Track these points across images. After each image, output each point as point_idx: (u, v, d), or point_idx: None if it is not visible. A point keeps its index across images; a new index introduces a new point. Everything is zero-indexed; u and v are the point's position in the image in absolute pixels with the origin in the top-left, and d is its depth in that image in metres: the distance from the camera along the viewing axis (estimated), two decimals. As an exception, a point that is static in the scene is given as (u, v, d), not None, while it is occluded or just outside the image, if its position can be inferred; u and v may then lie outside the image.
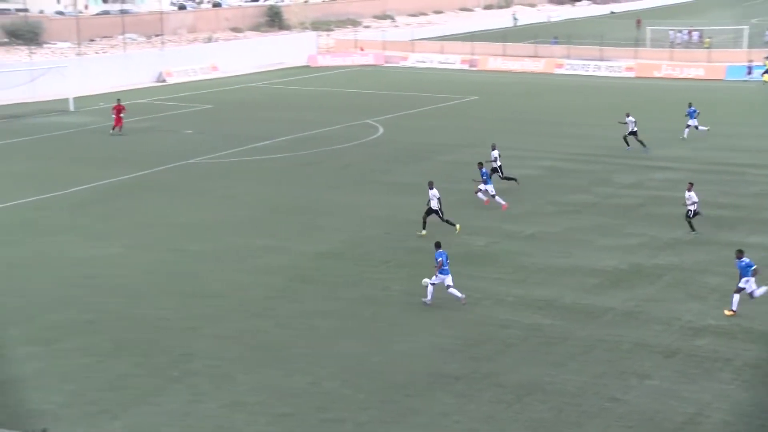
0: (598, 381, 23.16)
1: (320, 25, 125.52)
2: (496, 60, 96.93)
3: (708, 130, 54.64)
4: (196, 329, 26.67)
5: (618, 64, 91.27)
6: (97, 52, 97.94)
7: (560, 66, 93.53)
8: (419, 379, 23.32)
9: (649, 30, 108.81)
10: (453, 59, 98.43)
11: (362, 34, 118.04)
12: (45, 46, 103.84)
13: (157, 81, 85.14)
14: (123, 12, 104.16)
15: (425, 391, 22.63)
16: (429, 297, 28.33)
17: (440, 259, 28.12)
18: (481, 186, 39.51)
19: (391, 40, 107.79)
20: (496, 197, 39.49)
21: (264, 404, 22.01)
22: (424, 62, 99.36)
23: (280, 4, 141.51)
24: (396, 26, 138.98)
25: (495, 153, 42.95)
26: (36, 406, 21.94)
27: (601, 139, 54.21)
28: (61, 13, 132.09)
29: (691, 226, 35.92)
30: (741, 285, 27.46)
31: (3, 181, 45.52)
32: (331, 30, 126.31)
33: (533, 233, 36.20)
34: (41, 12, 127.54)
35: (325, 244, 34.77)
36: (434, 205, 35.43)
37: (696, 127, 54.68)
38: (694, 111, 54.86)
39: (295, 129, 58.86)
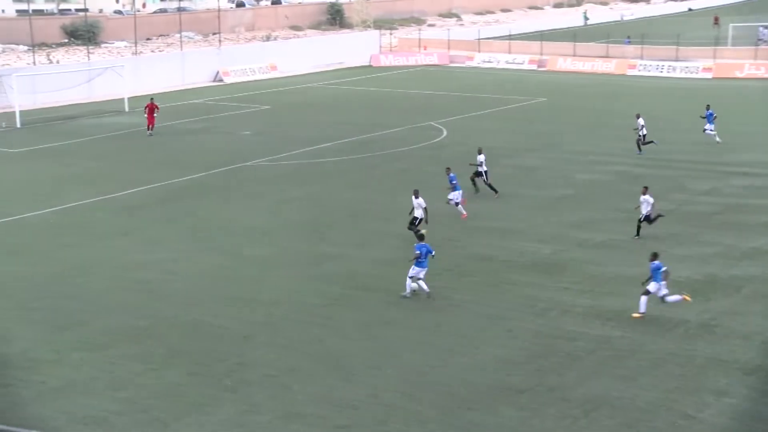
0: (670, 396, 22.87)
1: (383, 24, 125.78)
2: (566, 60, 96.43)
3: (719, 143, 53.88)
4: (252, 337, 26.84)
5: (695, 65, 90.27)
6: (153, 51, 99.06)
7: (633, 67, 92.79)
8: (482, 392, 23.23)
9: (731, 27, 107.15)
10: (521, 59, 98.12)
11: (426, 32, 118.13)
12: (103, 45, 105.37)
13: (214, 81, 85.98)
14: (180, 10, 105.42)
15: (488, 405, 22.53)
16: (408, 290, 29.59)
17: (418, 251, 29.21)
18: (451, 195, 39.04)
19: (456, 39, 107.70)
20: (459, 206, 39.03)
21: (321, 416, 22.06)
22: (490, 62, 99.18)
23: (341, 1, 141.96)
24: (462, 25, 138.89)
25: (481, 157, 42.73)
26: (89, 412, 22.24)
27: (675, 144, 53.64)
28: (119, 12, 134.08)
29: (637, 231, 36.18)
30: (650, 289, 27.86)
31: (58, 183, 46.24)
32: (395, 28, 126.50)
33: (603, 241, 35.92)
34: (100, 11, 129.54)
35: (385, 251, 34.81)
36: (419, 214, 35.34)
37: (709, 131, 54.10)
38: (711, 114, 54.41)
39: (356, 131, 59.02)
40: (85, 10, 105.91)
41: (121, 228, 38.27)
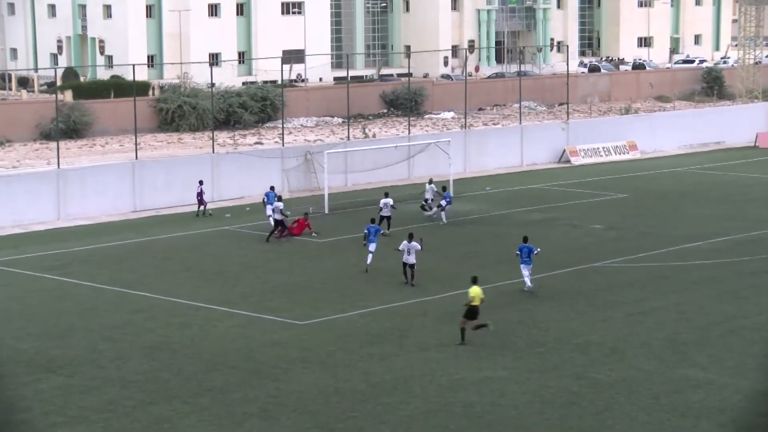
0: None
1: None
2: None
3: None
4: (596, 480, 26.90)
5: None
6: (485, 124, 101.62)
7: None
8: None
9: None
10: None
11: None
12: (426, 116, 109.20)
13: (560, 162, 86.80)
14: (520, 74, 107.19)
15: None
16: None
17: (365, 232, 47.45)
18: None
19: None
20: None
21: None
22: None
23: (721, 66, 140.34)
24: None
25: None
26: None
27: None
28: (447, 76, 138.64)
29: None
30: None
31: (372, 280, 47.83)
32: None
33: None
34: (425, 76, 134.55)
35: (769, 382, 34.09)
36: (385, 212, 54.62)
37: (440, 207, 60.87)
38: (449, 195, 61.90)
39: (737, 228, 58.02)
40: (409, 75, 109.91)
41: (440, 337, 39.23)
